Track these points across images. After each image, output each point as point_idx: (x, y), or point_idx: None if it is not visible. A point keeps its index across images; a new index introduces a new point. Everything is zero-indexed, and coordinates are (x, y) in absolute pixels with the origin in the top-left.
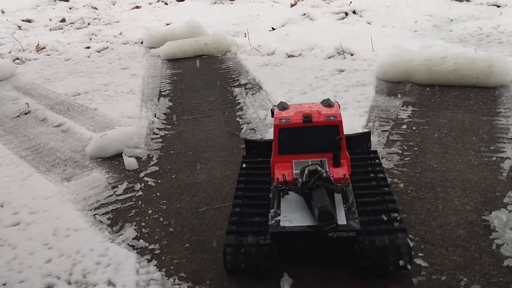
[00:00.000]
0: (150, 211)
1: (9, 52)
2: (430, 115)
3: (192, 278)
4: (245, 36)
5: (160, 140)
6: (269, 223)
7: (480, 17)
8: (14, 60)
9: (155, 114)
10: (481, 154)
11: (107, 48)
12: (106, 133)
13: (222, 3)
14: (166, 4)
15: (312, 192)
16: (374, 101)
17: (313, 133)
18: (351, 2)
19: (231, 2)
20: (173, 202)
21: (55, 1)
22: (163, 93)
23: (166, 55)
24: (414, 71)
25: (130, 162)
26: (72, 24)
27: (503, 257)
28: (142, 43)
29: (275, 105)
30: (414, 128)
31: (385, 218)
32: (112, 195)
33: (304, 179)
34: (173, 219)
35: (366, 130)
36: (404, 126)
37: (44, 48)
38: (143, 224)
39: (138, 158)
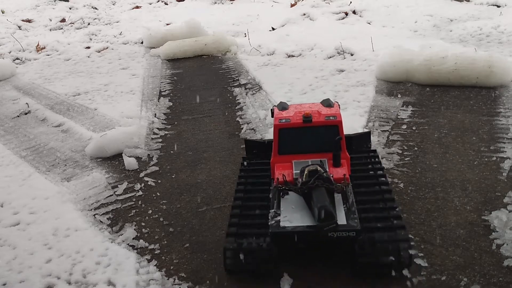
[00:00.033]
0: (150, 211)
1: (9, 52)
2: (430, 115)
3: (192, 278)
4: (245, 36)
5: (160, 140)
6: (269, 223)
7: (480, 17)
8: (14, 60)
9: (155, 114)
10: (481, 154)
11: (107, 48)
12: (106, 133)
13: (222, 3)
14: (166, 4)
15: (312, 192)
16: (374, 101)
17: (313, 133)
18: (351, 2)
19: (231, 2)
20: (173, 202)
21: (55, 1)
22: (163, 93)
23: (166, 55)
24: (414, 71)
25: (130, 162)
26: (72, 24)
27: (503, 257)
28: (142, 43)
29: (275, 105)
30: (414, 128)
31: (385, 215)
32: (112, 195)
33: (304, 179)
34: (173, 219)
35: (366, 130)
36: (404, 126)
37: (44, 48)
38: (143, 224)
39: (138, 158)
